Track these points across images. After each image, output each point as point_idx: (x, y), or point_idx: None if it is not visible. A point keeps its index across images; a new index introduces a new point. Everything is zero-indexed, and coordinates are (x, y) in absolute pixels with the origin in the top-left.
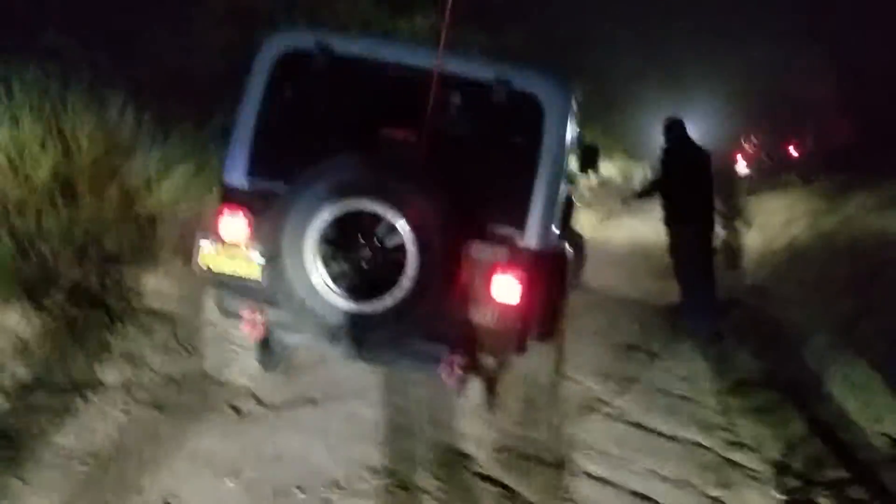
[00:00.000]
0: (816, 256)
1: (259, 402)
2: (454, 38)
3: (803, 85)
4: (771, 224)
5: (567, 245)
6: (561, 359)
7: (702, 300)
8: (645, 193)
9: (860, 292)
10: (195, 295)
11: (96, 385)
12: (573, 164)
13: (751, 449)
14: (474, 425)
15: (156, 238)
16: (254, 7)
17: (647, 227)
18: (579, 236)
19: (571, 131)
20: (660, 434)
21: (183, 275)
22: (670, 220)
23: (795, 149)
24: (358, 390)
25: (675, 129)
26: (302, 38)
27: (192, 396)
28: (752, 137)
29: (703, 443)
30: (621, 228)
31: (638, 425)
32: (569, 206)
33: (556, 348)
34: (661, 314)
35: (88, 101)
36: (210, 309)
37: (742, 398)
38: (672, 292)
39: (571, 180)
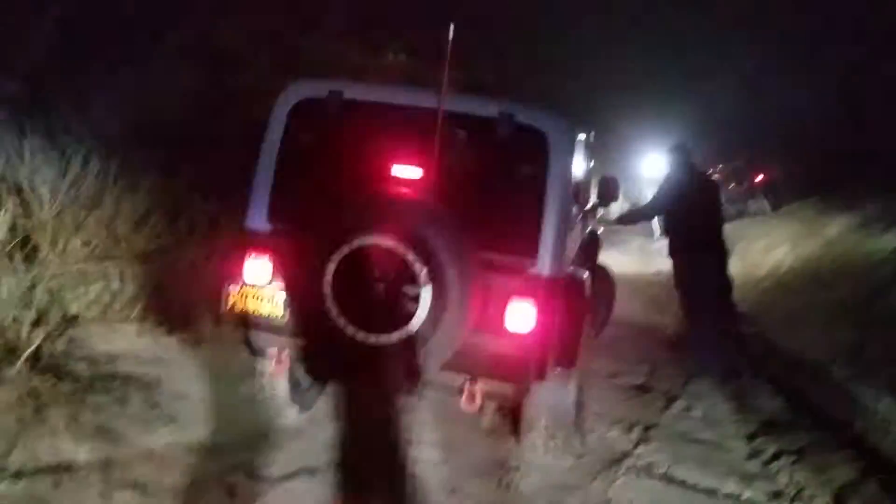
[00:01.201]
0: (803, 282)
1: (252, 475)
2: (426, 76)
3: (770, 112)
4: (750, 251)
5: (586, 275)
6: (581, 402)
7: (713, 334)
8: (630, 219)
9: (857, 318)
10: (172, 355)
11: (66, 466)
12: (592, 196)
13: (797, 499)
14: (492, 491)
15: (126, 295)
16: (224, 49)
17: (627, 259)
18: (607, 275)
19: (580, 161)
20: (695, 488)
21: (157, 334)
22: (678, 250)
23: (764, 174)
24: (361, 453)
25: (679, 155)
26: (315, 87)
27: (176, 473)
28: (721, 165)
29: (744, 496)
30: (607, 261)
31: (669, 479)
32: (593, 240)
33: (574, 390)
34: (668, 350)
35: (48, 151)
36: (190, 371)
37: (774, 441)
38: (670, 325)
39: (594, 214)
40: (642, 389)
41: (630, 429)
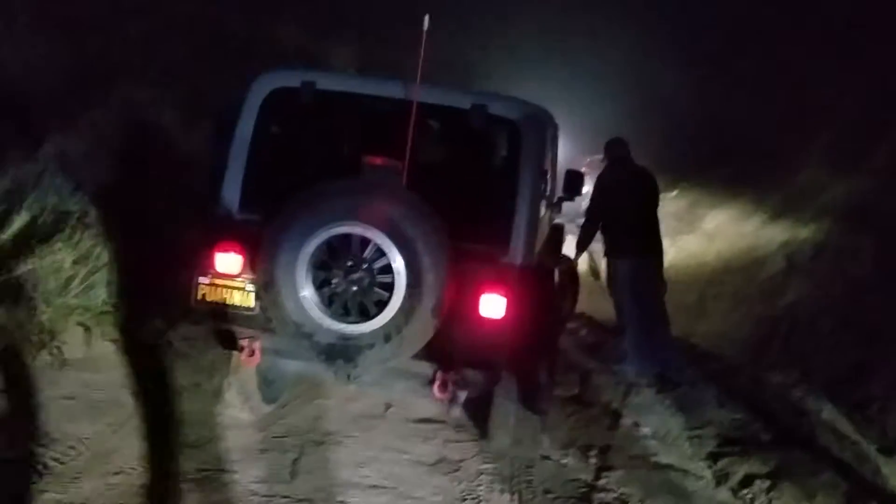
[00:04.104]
0: (691, 277)
1: None
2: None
3: (636, 105)
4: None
5: (554, 265)
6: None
7: (644, 341)
8: (587, 241)
9: (753, 313)
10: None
11: None
12: (557, 189)
13: None
14: None
15: None
16: (84, 15)
17: None
18: (572, 266)
19: (549, 153)
20: None
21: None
22: (618, 253)
23: None
24: None
25: (617, 150)
26: (288, 77)
27: None
28: (589, 159)
29: None
30: None
31: None
32: (558, 231)
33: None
34: (592, 356)
35: None
36: (62, 404)
37: (739, 462)
38: (584, 327)
39: (559, 207)
40: (581, 403)
41: (586, 453)
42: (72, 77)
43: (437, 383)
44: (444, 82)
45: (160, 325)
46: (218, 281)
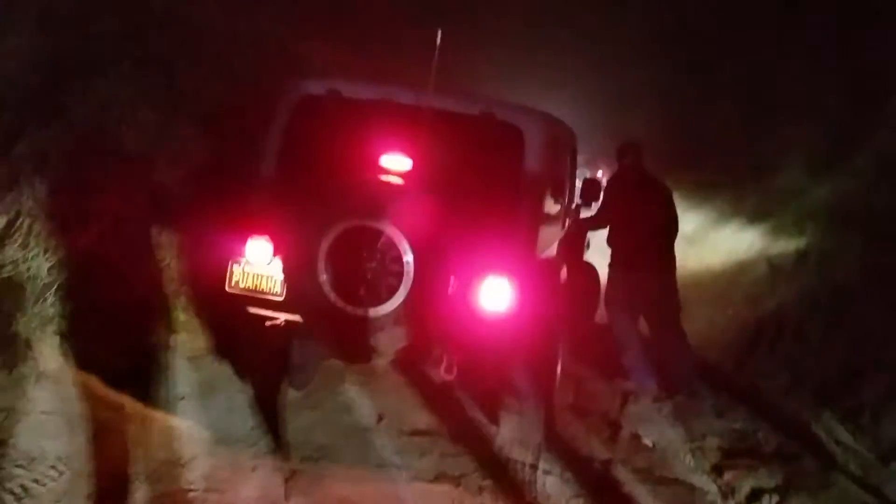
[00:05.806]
0: None
1: None
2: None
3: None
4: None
5: (561, 263)
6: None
7: (646, 355)
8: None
9: (737, 319)
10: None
11: None
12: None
13: None
14: None
15: None
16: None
17: None
18: (592, 270)
19: (561, 161)
20: None
21: None
22: (623, 264)
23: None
24: None
25: (630, 155)
26: (316, 86)
27: None
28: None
29: None
30: None
31: None
32: (578, 237)
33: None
34: (583, 363)
35: None
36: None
37: (745, 476)
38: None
39: (577, 213)
40: (577, 412)
41: (588, 467)
42: (47, 73)
43: (443, 365)
44: (456, 90)
45: (139, 336)
46: (248, 268)
